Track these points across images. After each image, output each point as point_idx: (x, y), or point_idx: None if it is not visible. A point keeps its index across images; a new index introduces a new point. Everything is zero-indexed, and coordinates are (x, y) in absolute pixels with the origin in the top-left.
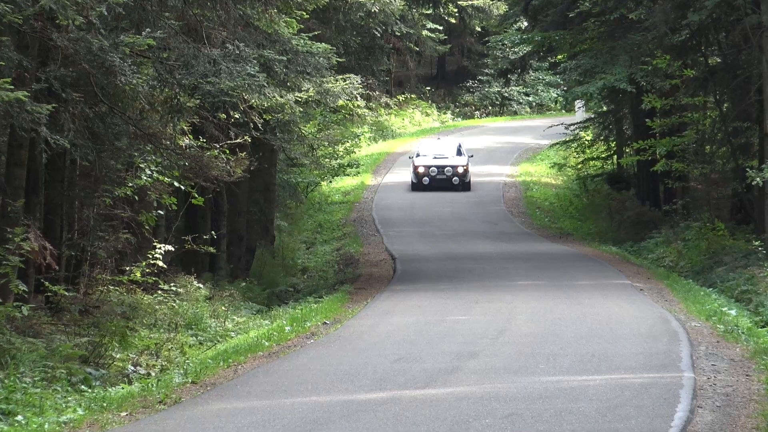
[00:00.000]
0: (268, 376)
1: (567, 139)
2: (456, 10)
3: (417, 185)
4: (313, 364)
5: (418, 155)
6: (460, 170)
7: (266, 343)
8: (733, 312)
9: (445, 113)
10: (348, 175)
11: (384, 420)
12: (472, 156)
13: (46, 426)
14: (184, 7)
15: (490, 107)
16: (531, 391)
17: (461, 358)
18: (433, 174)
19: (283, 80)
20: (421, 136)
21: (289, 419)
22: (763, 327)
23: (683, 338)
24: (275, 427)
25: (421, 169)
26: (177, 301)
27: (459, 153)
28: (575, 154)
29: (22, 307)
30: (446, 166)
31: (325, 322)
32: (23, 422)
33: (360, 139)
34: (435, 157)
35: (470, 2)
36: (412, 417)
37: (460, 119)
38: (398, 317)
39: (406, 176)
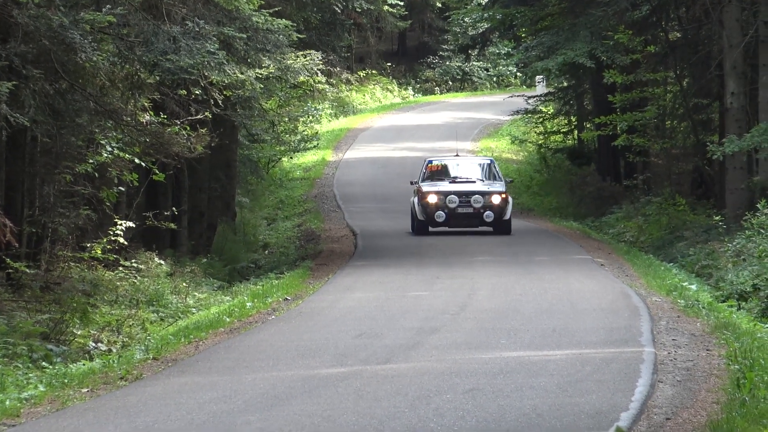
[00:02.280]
0: (230, 352)
1: (528, 109)
2: None
3: (425, 224)
4: (274, 339)
5: (426, 178)
6: (496, 200)
7: (227, 319)
8: (693, 287)
9: (406, 89)
10: (309, 149)
11: (345, 395)
12: (512, 181)
13: (7, 402)
14: None
15: (450, 83)
16: (492, 367)
17: (422, 333)
18: (452, 206)
19: (243, 57)
20: (383, 112)
21: (250, 394)
22: (723, 302)
23: (644, 313)
24: (236, 402)
25: (432, 199)
26: (138, 278)
27: (491, 175)
28: (536, 127)
29: None
30: (474, 193)
31: (286, 298)
32: None
33: (321, 115)
34: (454, 181)
35: None
36: (373, 392)
37: (420, 95)
38: (359, 293)
39: (367, 152)
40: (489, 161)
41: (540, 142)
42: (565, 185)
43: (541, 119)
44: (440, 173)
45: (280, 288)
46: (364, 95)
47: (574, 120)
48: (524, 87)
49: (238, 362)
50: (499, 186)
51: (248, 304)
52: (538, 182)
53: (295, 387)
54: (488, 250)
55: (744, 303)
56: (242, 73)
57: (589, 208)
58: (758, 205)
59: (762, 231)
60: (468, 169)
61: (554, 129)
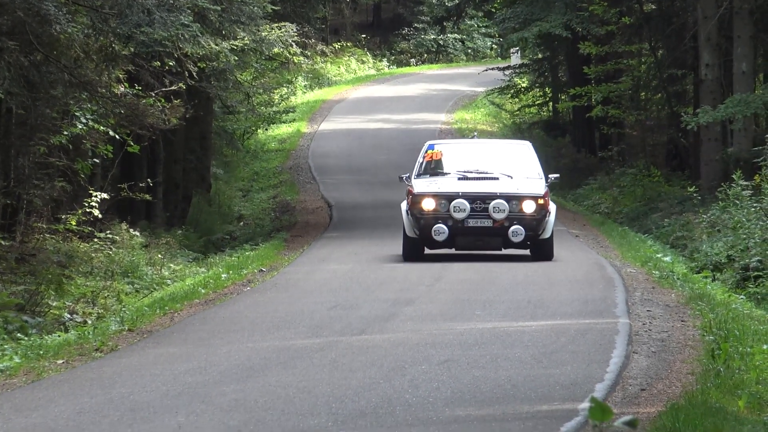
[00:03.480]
0: (205, 324)
1: (503, 86)
2: None
3: (418, 244)
4: (249, 311)
5: (423, 172)
6: (530, 208)
7: (203, 291)
8: (668, 258)
9: (380, 61)
10: (284, 122)
11: (320, 366)
12: (557, 177)
13: None
14: None
15: (425, 55)
16: (467, 338)
17: (397, 305)
18: (459, 216)
19: (217, 29)
20: (358, 84)
21: (225, 366)
22: (698, 273)
23: (619, 284)
24: (212, 373)
25: (428, 204)
26: (113, 249)
27: (526, 169)
28: (511, 100)
29: None
30: (494, 196)
31: (261, 270)
32: None
33: (295, 86)
34: (465, 177)
35: None
36: (348, 363)
37: (395, 67)
38: (334, 264)
39: (342, 124)
40: (525, 147)
41: (515, 113)
42: (540, 157)
43: (516, 92)
44: (445, 165)
45: (255, 259)
46: (339, 67)
47: (548, 92)
48: (499, 59)
49: (213, 334)
50: (535, 185)
51: (223, 275)
52: None
53: (270, 358)
54: None
55: (719, 274)
56: (217, 45)
57: (563, 180)
58: (733, 176)
59: (737, 202)
60: (489, 159)
61: (529, 102)
